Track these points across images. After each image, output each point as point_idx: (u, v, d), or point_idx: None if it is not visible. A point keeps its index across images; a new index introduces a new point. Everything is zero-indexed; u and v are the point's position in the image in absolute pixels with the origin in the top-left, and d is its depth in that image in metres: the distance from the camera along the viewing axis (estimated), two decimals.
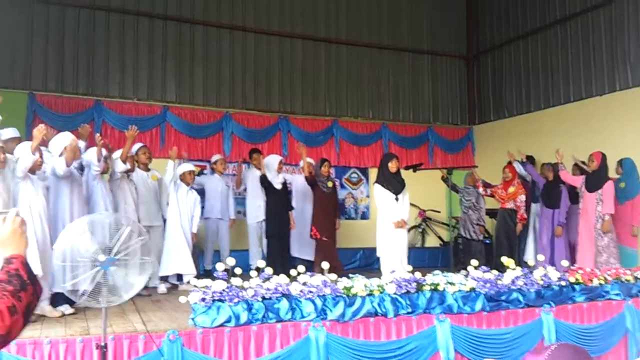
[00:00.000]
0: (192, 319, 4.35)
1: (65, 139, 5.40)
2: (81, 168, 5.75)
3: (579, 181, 7.59)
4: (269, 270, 4.82)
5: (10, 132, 5.14)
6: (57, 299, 4.94)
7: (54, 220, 5.12)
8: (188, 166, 6.80)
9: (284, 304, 4.58)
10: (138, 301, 5.21)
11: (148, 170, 6.81)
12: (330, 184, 7.47)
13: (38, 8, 8.56)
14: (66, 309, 4.94)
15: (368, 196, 10.52)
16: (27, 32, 8.48)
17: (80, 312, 4.93)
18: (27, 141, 5.01)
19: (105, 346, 3.41)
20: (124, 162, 6.07)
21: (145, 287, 6.23)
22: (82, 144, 5.84)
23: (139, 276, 3.18)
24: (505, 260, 5.74)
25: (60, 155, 5.32)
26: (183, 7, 9.44)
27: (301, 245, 7.75)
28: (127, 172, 6.22)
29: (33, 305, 1.60)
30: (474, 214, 8.33)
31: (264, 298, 4.55)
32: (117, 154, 6.18)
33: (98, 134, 5.85)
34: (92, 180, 5.80)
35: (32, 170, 4.93)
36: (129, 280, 3.13)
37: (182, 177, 6.64)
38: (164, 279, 6.53)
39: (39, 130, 4.81)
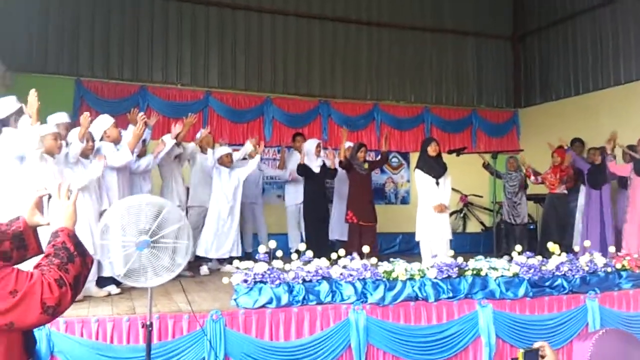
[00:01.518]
0: (235, 299, 4.43)
1: (105, 122, 5.53)
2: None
3: (627, 169, 7.35)
4: (309, 253, 4.86)
5: (60, 117, 5.28)
6: (104, 279, 5.10)
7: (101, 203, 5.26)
8: (224, 149, 6.89)
9: (324, 287, 4.61)
10: (182, 282, 5.33)
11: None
12: (366, 166, 7.41)
13: None
14: (112, 289, 5.09)
15: (409, 181, 10.43)
16: (73, 20, 8.70)
17: (126, 292, 5.07)
18: (76, 127, 5.16)
19: (151, 325, 3.49)
20: (178, 145, 6.29)
21: (189, 268, 6.45)
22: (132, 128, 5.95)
23: (177, 259, 3.22)
24: (550, 245, 5.63)
25: (101, 139, 5.46)
26: None
27: (342, 228, 7.76)
28: (177, 156, 6.42)
29: (83, 276, 1.65)
30: (517, 199, 8.20)
31: (304, 280, 4.59)
32: (167, 137, 6.31)
33: (142, 113, 5.94)
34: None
35: (85, 154, 5.09)
36: (165, 263, 3.17)
37: (220, 161, 6.72)
38: (207, 260, 6.65)
39: (85, 118, 4.95)
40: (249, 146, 7.10)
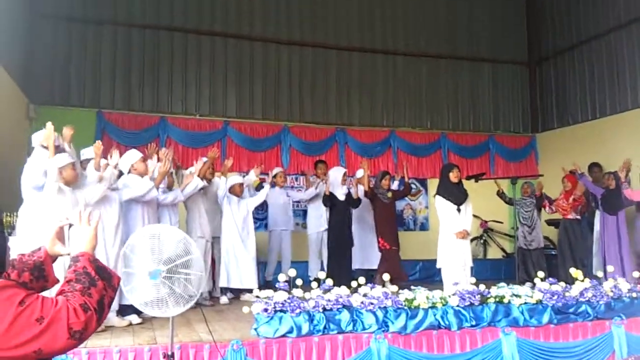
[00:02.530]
0: (255, 329, 4.42)
1: (133, 156, 5.62)
2: None
3: None
4: (329, 282, 4.84)
5: (90, 153, 5.38)
6: (125, 309, 5.12)
7: (126, 234, 5.30)
8: (236, 179, 6.94)
9: (345, 315, 4.59)
10: (203, 311, 5.33)
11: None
12: (390, 195, 7.42)
13: (106, 29, 8.99)
14: (134, 318, 5.10)
15: (427, 207, 10.39)
16: (95, 53, 8.91)
17: (147, 321, 5.09)
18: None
19: (173, 355, 3.49)
20: (202, 179, 6.32)
21: (210, 298, 6.46)
22: (151, 163, 6.02)
23: (189, 290, 3.21)
24: (573, 271, 5.56)
25: (129, 172, 5.54)
26: (242, 24, 9.68)
27: (363, 256, 7.73)
28: (203, 188, 6.47)
29: (107, 299, 1.65)
30: (532, 224, 8.15)
31: (324, 309, 4.57)
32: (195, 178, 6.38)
33: (164, 149, 6.03)
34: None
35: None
36: (178, 293, 3.17)
37: (232, 190, 6.75)
38: (225, 290, 6.64)
39: (97, 147, 5.04)
40: (252, 176, 7.19)
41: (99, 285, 1.65)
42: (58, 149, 4.88)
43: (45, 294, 1.63)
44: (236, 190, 6.76)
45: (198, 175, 6.28)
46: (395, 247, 7.27)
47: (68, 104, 8.62)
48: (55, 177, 4.55)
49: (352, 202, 7.46)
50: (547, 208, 8.09)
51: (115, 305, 5.00)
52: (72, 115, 8.36)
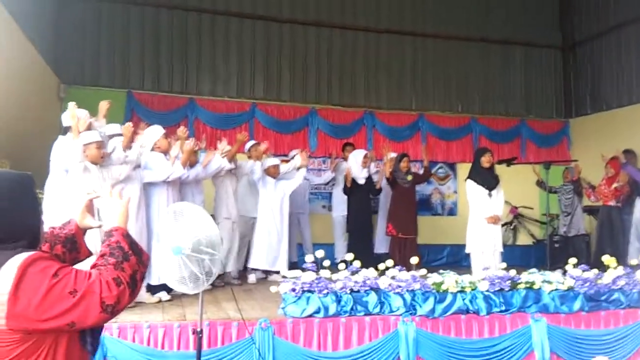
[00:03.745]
0: (282, 308, 4.43)
1: (156, 133, 5.62)
2: None
3: None
4: (356, 264, 4.82)
5: (114, 129, 5.40)
6: (156, 285, 5.18)
7: (148, 213, 5.34)
8: (272, 160, 6.93)
9: (372, 298, 4.57)
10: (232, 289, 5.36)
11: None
12: (409, 178, 7.31)
13: (134, 10, 9.02)
14: (163, 295, 5.16)
15: (456, 192, 10.26)
16: (124, 34, 8.96)
17: (176, 298, 5.14)
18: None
19: (201, 332, 3.51)
20: (230, 161, 6.31)
21: (239, 277, 6.50)
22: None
23: (210, 268, 3.18)
24: (606, 258, 5.43)
25: (152, 149, 5.55)
26: (271, 6, 9.62)
27: (386, 241, 7.67)
28: (231, 169, 6.51)
29: (139, 274, 1.66)
30: (573, 210, 7.99)
31: (352, 291, 4.56)
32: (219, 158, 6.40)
33: (192, 139, 5.99)
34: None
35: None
36: (196, 271, 3.14)
37: (267, 171, 6.75)
38: (254, 270, 6.68)
39: (127, 129, 5.02)
40: (298, 159, 7.09)
41: (132, 260, 1.66)
42: (89, 127, 4.92)
43: (78, 266, 1.64)
44: (271, 172, 6.76)
45: (228, 156, 6.26)
46: (405, 235, 7.09)
47: (98, 84, 8.69)
48: (80, 156, 4.58)
49: (372, 190, 7.39)
50: (591, 197, 7.93)
51: (145, 281, 5.07)
52: (102, 95, 8.30)
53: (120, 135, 5.16)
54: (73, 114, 4.67)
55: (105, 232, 1.76)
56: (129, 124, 5.08)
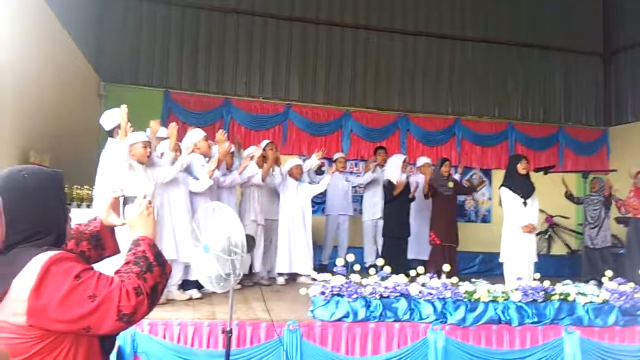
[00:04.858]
0: (312, 311, 4.42)
1: (196, 135, 5.69)
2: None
3: None
4: (387, 269, 4.78)
5: (138, 137, 5.48)
6: (188, 283, 5.24)
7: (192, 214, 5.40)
8: (295, 161, 6.92)
9: (402, 304, 4.53)
10: (261, 290, 5.38)
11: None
12: (451, 184, 7.22)
13: (174, 10, 9.17)
14: (194, 293, 5.21)
15: (490, 199, 10.11)
16: (164, 34, 9.13)
17: (206, 297, 5.18)
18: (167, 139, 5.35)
19: (231, 331, 3.53)
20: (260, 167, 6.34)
21: (268, 278, 6.52)
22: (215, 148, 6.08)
23: (235, 268, 3.20)
24: None
25: (192, 151, 5.62)
26: (308, 8, 9.65)
27: (420, 247, 7.60)
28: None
29: (160, 286, 1.65)
30: (599, 222, 7.74)
31: (381, 296, 4.52)
32: (248, 151, 6.45)
33: (228, 143, 6.02)
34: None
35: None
36: (220, 270, 3.16)
37: (290, 172, 6.72)
38: (281, 273, 6.67)
39: (172, 128, 5.08)
40: (314, 160, 7.06)
41: (155, 271, 1.64)
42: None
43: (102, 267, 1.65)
44: (294, 173, 6.73)
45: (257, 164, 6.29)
46: (448, 244, 7.01)
47: (137, 83, 8.86)
48: (126, 155, 4.67)
49: (407, 196, 7.34)
50: (622, 209, 7.72)
51: (177, 279, 5.13)
52: (140, 94, 8.62)
53: (166, 138, 5.26)
54: (123, 116, 4.75)
55: (132, 240, 1.76)
56: (174, 125, 5.15)
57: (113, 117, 4.95)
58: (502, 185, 6.13)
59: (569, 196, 8.02)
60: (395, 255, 6.92)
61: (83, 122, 7.39)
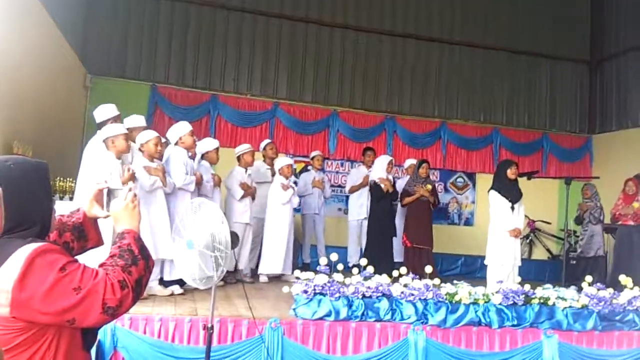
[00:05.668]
0: (294, 309, 4.43)
1: (182, 128, 5.66)
2: None
3: None
4: (370, 269, 4.81)
5: (137, 121, 5.44)
6: (166, 282, 5.21)
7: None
8: (285, 160, 6.91)
9: (384, 304, 4.55)
10: (244, 287, 5.37)
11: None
12: (429, 186, 7.25)
13: (164, 5, 9.10)
14: (176, 288, 5.19)
15: (474, 202, 10.19)
16: (152, 27, 9.04)
17: (188, 293, 5.16)
18: (148, 129, 5.31)
19: (212, 327, 3.52)
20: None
21: (252, 275, 6.50)
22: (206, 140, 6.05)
23: (219, 265, 3.18)
24: (623, 278, 5.35)
25: (176, 144, 5.59)
26: (298, 6, 9.64)
27: (402, 250, 7.63)
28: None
29: (144, 279, 1.65)
30: (596, 229, 7.84)
31: (364, 296, 4.55)
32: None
33: None
34: None
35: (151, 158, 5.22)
36: (209, 267, 3.14)
37: (281, 171, 6.69)
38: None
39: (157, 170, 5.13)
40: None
41: (140, 264, 1.64)
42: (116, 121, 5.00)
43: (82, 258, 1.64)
44: (285, 172, 6.68)
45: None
46: (419, 246, 7.07)
47: (124, 76, 8.79)
48: (118, 168, 4.65)
49: (393, 193, 7.38)
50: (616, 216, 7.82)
51: (156, 274, 5.10)
52: (127, 87, 8.56)
53: (146, 128, 5.29)
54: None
55: (117, 233, 1.75)
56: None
57: (107, 111, 4.96)
58: (491, 188, 6.19)
59: (579, 220, 8.10)
60: (381, 255, 6.92)
61: (68, 113, 7.32)
